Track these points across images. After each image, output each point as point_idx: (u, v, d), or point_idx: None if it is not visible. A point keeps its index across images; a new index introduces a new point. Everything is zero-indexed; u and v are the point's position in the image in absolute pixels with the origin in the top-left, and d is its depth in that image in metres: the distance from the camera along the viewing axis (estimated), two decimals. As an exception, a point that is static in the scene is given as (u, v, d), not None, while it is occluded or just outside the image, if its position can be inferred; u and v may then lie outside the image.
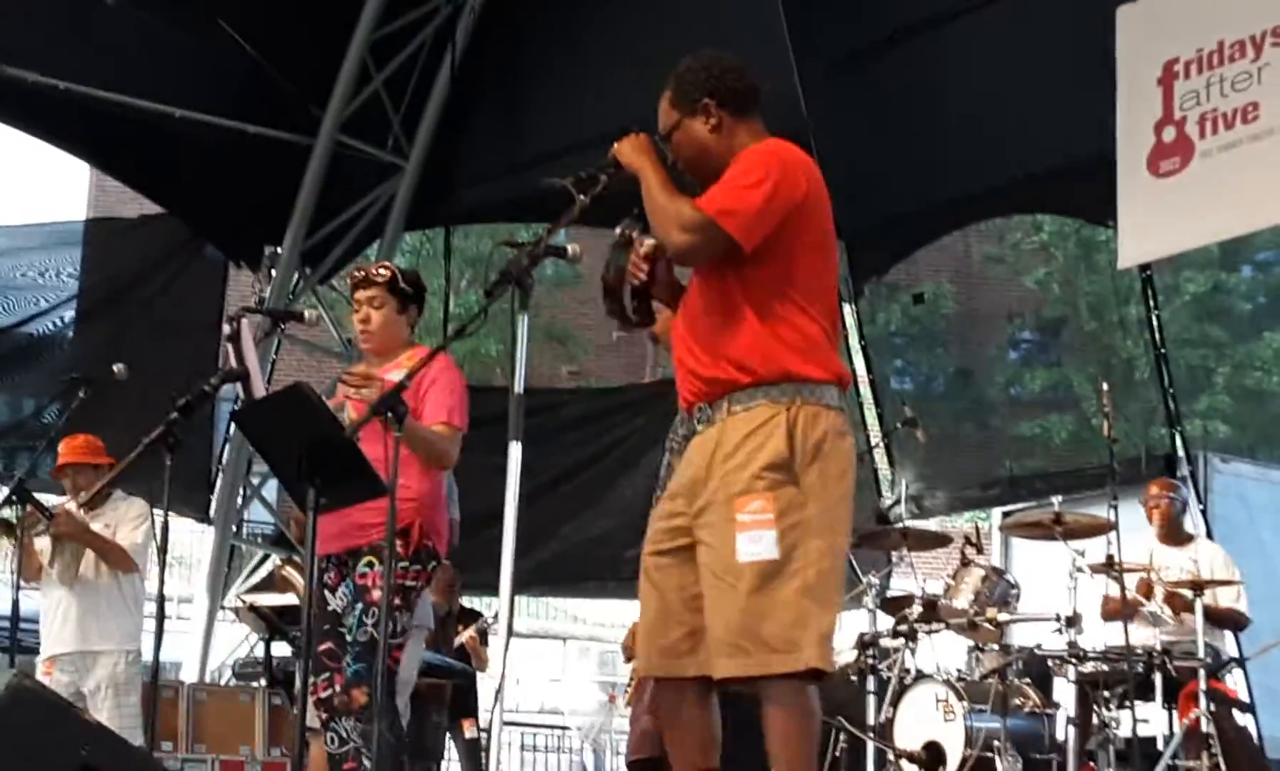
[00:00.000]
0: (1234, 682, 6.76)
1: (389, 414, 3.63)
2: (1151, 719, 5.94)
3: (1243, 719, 6.47)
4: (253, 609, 7.79)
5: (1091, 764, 5.85)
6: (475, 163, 10.34)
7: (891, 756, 5.87)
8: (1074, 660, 5.80)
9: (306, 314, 5.19)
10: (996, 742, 5.69)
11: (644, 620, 3.48)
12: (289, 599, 7.12)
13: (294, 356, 12.80)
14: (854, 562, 9.36)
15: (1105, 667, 5.89)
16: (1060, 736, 5.92)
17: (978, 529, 7.01)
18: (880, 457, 9.60)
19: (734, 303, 3.37)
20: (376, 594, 4.33)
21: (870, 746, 5.98)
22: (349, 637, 4.40)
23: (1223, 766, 5.58)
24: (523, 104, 9.93)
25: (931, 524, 8.89)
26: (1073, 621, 5.81)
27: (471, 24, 10.05)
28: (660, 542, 3.45)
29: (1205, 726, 5.66)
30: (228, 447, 10.28)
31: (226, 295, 10.36)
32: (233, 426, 9.79)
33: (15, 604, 5.83)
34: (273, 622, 7.59)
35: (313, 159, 10.00)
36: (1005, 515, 8.86)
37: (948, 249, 10.25)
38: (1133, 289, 9.03)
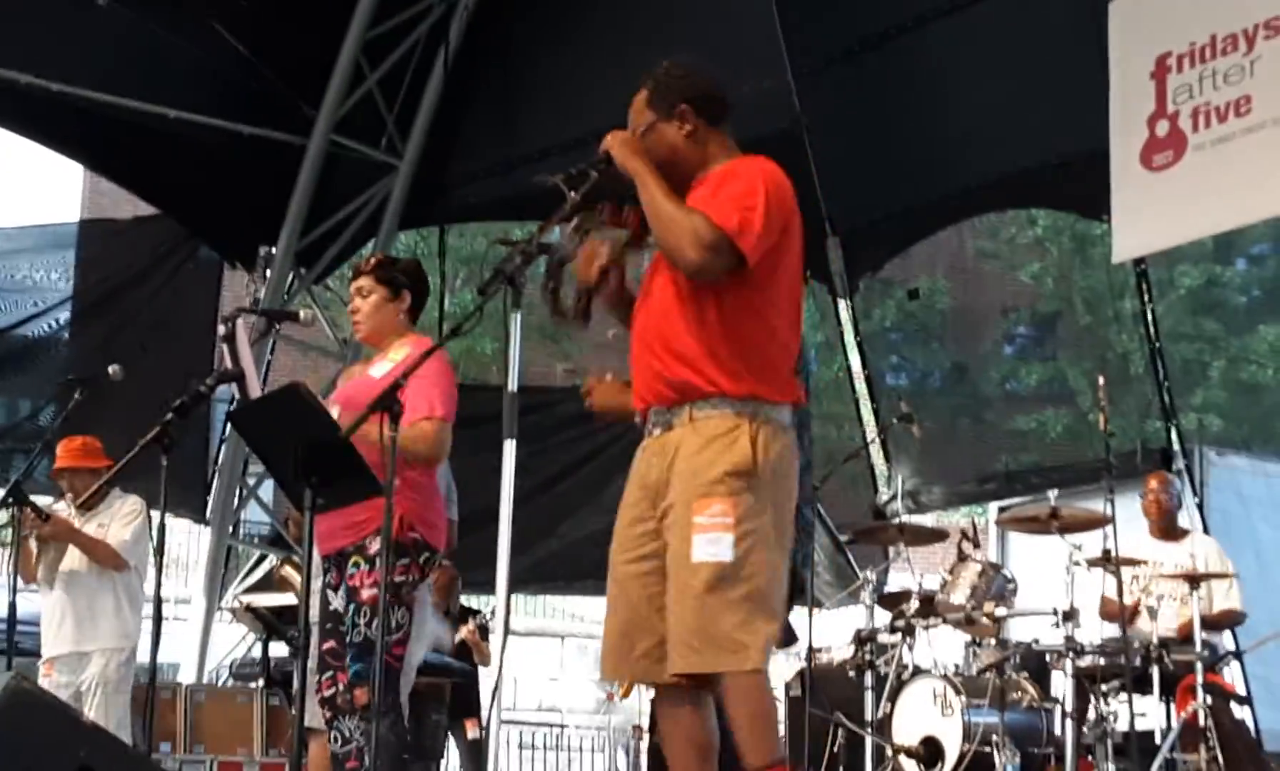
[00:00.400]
0: (1231, 676, 6.76)
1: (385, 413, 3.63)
2: (1149, 712, 5.93)
3: (1240, 712, 6.48)
4: (250, 609, 7.80)
5: (1089, 757, 5.85)
6: (470, 161, 10.32)
7: (890, 751, 5.88)
8: (1071, 654, 5.81)
9: (302, 314, 5.21)
10: (994, 737, 5.70)
11: (611, 625, 3.52)
12: (288, 598, 7.12)
13: (289, 356, 12.79)
14: (851, 558, 9.39)
15: (1103, 661, 5.90)
16: (1058, 730, 5.93)
17: (974, 524, 7.03)
18: (876, 453, 9.60)
19: (705, 313, 3.38)
20: (365, 593, 4.34)
21: (868, 741, 5.99)
22: (348, 638, 4.40)
23: (1220, 759, 5.58)
24: (516, 102, 9.91)
25: (928, 519, 8.91)
26: (1070, 615, 5.82)
27: (465, 23, 10.02)
28: (629, 550, 3.50)
29: (1203, 719, 5.66)
30: (224, 448, 10.26)
31: (221, 296, 10.31)
32: (229, 427, 9.80)
33: (12, 606, 5.83)
34: (270, 623, 7.59)
35: (307, 159, 9.98)
36: (1002, 510, 8.85)
37: (942, 244, 10.28)
38: (1127, 283, 9.04)
